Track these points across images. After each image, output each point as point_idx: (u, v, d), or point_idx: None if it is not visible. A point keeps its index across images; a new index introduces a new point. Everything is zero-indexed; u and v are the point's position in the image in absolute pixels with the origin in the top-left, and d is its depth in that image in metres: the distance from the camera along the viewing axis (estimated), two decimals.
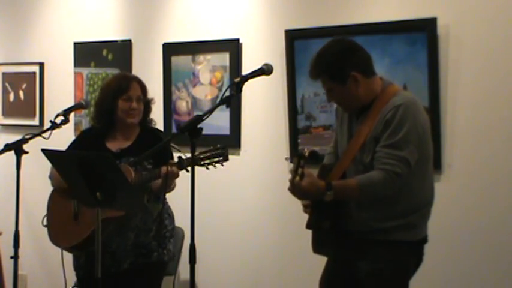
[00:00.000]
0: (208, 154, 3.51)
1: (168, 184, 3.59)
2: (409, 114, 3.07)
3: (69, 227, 3.75)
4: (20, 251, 3.83)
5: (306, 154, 3.04)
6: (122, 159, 3.73)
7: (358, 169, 3.13)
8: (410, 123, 3.06)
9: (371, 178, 3.04)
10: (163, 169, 3.53)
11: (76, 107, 4.14)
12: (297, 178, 3.00)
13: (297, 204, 3.28)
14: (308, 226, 3.23)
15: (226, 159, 3.52)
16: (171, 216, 3.93)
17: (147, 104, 3.91)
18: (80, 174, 3.19)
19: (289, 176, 3.07)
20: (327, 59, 3.15)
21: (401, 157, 3.02)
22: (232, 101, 3.18)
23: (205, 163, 3.51)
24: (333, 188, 3.03)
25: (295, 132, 4.54)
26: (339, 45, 3.19)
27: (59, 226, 3.82)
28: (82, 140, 3.96)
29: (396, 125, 3.04)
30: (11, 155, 3.78)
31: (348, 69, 3.11)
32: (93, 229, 3.56)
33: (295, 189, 3.04)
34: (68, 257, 3.86)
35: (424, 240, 3.24)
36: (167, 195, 3.85)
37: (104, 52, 5.50)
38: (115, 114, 3.81)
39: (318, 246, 3.31)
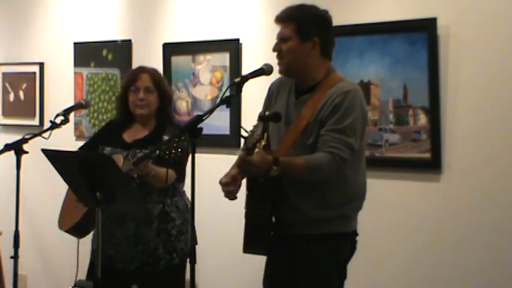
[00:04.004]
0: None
1: (149, 182, 3.57)
2: (357, 102, 3.09)
3: (70, 210, 3.78)
4: (20, 251, 3.82)
5: (271, 115, 2.99)
6: (131, 150, 3.69)
7: (298, 152, 3.09)
8: (358, 111, 3.08)
9: (319, 159, 3.01)
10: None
11: (76, 107, 4.13)
12: (263, 142, 2.96)
13: None
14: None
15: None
16: (181, 210, 3.76)
17: (164, 97, 3.84)
18: (80, 174, 3.19)
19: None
20: (307, 12, 3.18)
21: (348, 143, 3.03)
22: (232, 101, 3.17)
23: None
24: (280, 164, 2.98)
25: None
26: (324, 13, 3.21)
27: (65, 210, 3.87)
28: (103, 130, 4.04)
29: (345, 110, 3.05)
30: (11, 155, 3.78)
31: (316, 33, 3.14)
32: (86, 212, 3.60)
33: (248, 163, 2.99)
34: (66, 257, 3.86)
35: (356, 232, 3.24)
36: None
37: (104, 52, 5.50)
38: (129, 107, 3.84)
39: (249, 245, 3.25)
